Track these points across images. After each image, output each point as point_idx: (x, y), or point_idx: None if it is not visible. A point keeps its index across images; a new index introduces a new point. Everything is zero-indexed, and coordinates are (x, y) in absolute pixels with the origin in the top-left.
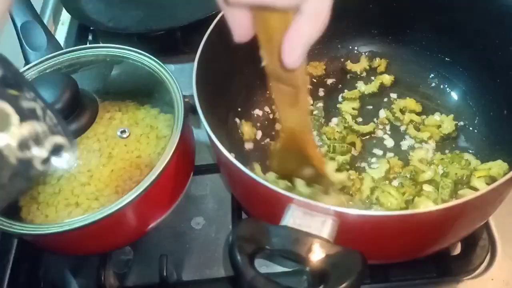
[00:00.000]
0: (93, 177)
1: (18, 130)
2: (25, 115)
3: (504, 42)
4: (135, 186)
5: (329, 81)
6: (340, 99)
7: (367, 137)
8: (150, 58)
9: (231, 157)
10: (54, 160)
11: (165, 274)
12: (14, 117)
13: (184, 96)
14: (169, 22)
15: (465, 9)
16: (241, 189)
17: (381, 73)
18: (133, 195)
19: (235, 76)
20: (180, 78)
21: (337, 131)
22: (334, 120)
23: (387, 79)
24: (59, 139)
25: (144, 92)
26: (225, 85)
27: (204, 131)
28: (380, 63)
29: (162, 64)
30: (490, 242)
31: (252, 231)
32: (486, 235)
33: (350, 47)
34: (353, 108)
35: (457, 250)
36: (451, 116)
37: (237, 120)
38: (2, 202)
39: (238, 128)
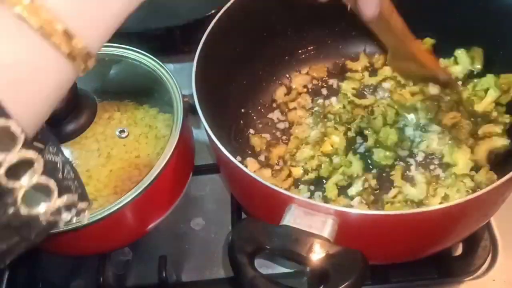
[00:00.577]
0: (91, 177)
1: (56, 201)
2: (63, 189)
3: (505, 41)
4: (134, 187)
5: (331, 81)
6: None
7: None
8: (149, 57)
9: (231, 156)
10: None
11: (164, 275)
12: (55, 191)
13: (184, 96)
14: (168, 21)
15: (465, 8)
16: (241, 189)
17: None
18: (132, 196)
19: (235, 76)
20: (180, 78)
21: (340, 107)
22: (334, 99)
23: (387, 70)
24: (84, 205)
25: (143, 91)
26: (225, 85)
27: (203, 131)
28: (379, 58)
29: (161, 63)
30: (491, 243)
31: (252, 231)
32: (488, 235)
33: (352, 48)
34: (353, 88)
35: (459, 250)
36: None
37: (248, 130)
38: (19, 251)
39: (249, 141)
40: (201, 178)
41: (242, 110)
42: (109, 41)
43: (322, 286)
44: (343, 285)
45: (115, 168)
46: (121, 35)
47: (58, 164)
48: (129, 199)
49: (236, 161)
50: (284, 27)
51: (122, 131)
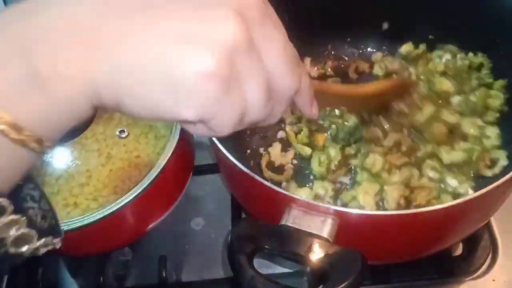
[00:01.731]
0: (91, 177)
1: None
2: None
3: (505, 41)
4: (134, 186)
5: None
6: None
7: None
8: None
9: (231, 156)
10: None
11: (164, 275)
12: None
13: None
14: None
15: (465, 9)
16: (241, 189)
17: None
18: (132, 196)
19: None
20: None
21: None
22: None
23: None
24: (57, 241)
25: None
26: None
27: None
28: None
29: None
30: (491, 243)
31: (251, 231)
32: (488, 235)
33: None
34: None
35: (459, 250)
36: None
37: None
38: None
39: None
40: (201, 178)
41: None
42: None
43: (321, 286)
44: (342, 285)
45: (115, 168)
46: None
47: (36, 197)
48: (129, 199)
49: (236, 161)
50: None
51: (122, 131)
